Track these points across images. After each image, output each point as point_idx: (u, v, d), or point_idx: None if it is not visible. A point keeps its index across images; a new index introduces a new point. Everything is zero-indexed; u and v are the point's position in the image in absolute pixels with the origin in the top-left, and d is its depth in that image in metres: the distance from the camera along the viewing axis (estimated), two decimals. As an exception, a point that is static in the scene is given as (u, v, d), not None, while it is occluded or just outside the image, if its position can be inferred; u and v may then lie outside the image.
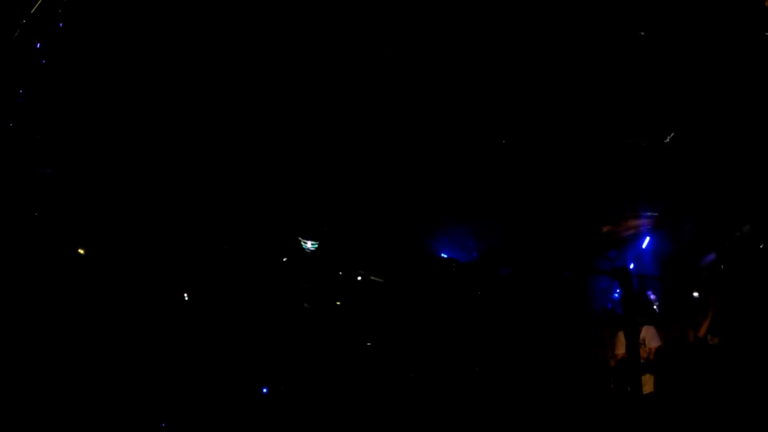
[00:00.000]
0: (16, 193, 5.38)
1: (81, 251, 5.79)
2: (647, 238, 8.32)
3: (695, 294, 7.67)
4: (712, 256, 6.92)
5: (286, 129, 6.99)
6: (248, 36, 6.39)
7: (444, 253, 8.30)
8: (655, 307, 8.48)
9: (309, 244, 6.88)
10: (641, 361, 7.02)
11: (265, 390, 5.36)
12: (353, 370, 5.43)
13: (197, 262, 6.25)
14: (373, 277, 6.19)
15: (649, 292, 8.59)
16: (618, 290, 8.60)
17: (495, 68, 6.63)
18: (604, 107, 6.65)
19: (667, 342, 7.45)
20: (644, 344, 7.22)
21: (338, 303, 6.02)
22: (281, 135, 6.99)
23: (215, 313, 5.79)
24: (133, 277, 5.88)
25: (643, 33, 5.92)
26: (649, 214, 7.54)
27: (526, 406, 5.16)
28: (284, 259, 6.11)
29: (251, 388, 5.35)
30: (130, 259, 6.02)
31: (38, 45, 5.40)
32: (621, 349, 7.69)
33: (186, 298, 5.96)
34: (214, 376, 5.34)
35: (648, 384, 7.20)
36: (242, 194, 6.43)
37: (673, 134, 6.29)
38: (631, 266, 8.38)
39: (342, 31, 6.36)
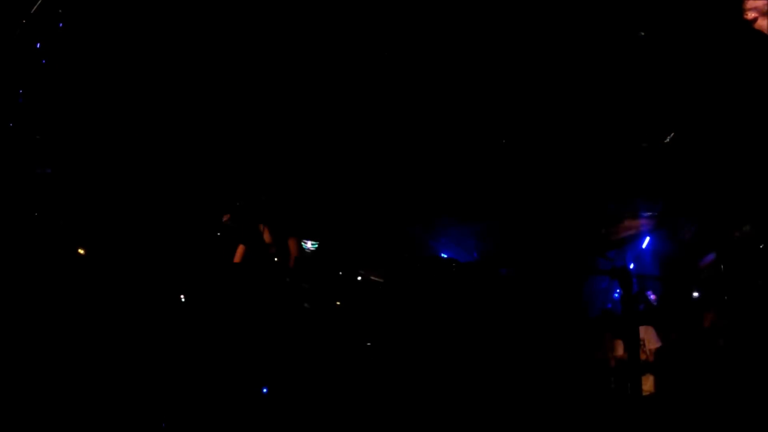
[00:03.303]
0: (16, 193, 5.38)
1: (81, 251, 5.79)
2: (647, 238, 8.31)
3: (695, 294, 7.66)
4: (712, 256, 6.91)
5: (285, 129, 6.99)
6: (248, 36, 6.39)
7: (444, 253, 8.30)
8: (654, 307, 8.48)
9: (309, 244, 6.89)
10: (641, 362, 7.01)
11: (265, 390, 5.35)
12: (353, 370, 5.43)
13: (197, 261, 6.25)
14: (373, 277, 6.19)
15: (649, 292, 8.58)
16: (618, 290, 8.58)
17: (495, 68, 6.63)
18: (604, 107, 6.65)
19: (667, 343, 7.44)
20: (644, 345, 7.22)
21: (338, 303, 6.02)
22: (281, 135, 6.99)
23: (215, 313, 5.79)
24: (133, 276, 5.88)
25: (643, 33, 5.92)
26: (649, 214, 7.53)
27: (526, 406, 5.15)
28: (288, 262, 6.11)
29: (251, 388, 5.35)
30: (130, 259, 6.02)
31: (38, 45, 5.40)
32: (620, 350, 7.69)
33: (185, 298, 5.96)
34: (214, 376, 5.34)
35: (648, 384, 7.20)
36: (242, 194, 6.43)
37: (673, 134, 6.29)
38: (631, 266, 8.38)
39: (342, 31, 6.36)
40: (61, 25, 5.46)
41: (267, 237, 6.02)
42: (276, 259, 6.04)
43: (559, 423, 5.23)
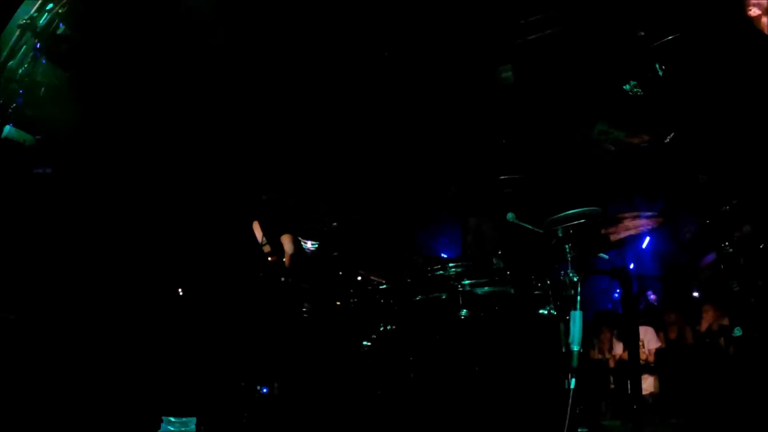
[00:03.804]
0: (16, 193, 5.38)
1: (81, 251, 5.78)
2: (647, 238, 8.32)
3: (695, 294, 7.68)
4: (712, 256, 6.92)
5: (285, 129, 6.99)
6: (248, 36, 6.39)
7: (444, 253, 8.31)
8: (654, 307, 8.49)
9: (309, 244, 6.87)
10: (641, 362, 7.02)
11: (265, 390, 5.35)
12: (353, 371, 5.43)
13: (197, 262, 6.25)
14: (373, 277, 6.18)
15: (649, 292, 8.60)
16: (618, 290, 8.59)
17: (495, 68, 6.64)
18: (605, 107, 6.66)
19: (667, 343, 7.45)
20: (643, 345, 7.23)
21: (338, 303, 6.02)
22: (281, 135, 6.99)
23: (215, 314, 5.80)
24: (133, 276, 5.88)
25: (643, 33, 5.92)
26: (649, 214, 7.54)
27: (526, 406, 5.15)
28: (284, 260, 6.10)
29: (251, 388, 5.35)
30: (130, 259, 6.02)
31: (38, 45, 5.41)
32: (620, 350, 7.70)
33: (185, 299, 5.96)
34: (215, 376, 5.34)
35: (648, 384, 7.21)
36: (242, 194, 6.43)
37: (673, 134, 6.29)
38: (631, 266, 8.39)
39: (342, 31, 6.36)
40: (61, 25, 5.46)
41: (260, 235, 6.01)
42: (270, 258, 6.04)
43: (559, 423, 5.23)
